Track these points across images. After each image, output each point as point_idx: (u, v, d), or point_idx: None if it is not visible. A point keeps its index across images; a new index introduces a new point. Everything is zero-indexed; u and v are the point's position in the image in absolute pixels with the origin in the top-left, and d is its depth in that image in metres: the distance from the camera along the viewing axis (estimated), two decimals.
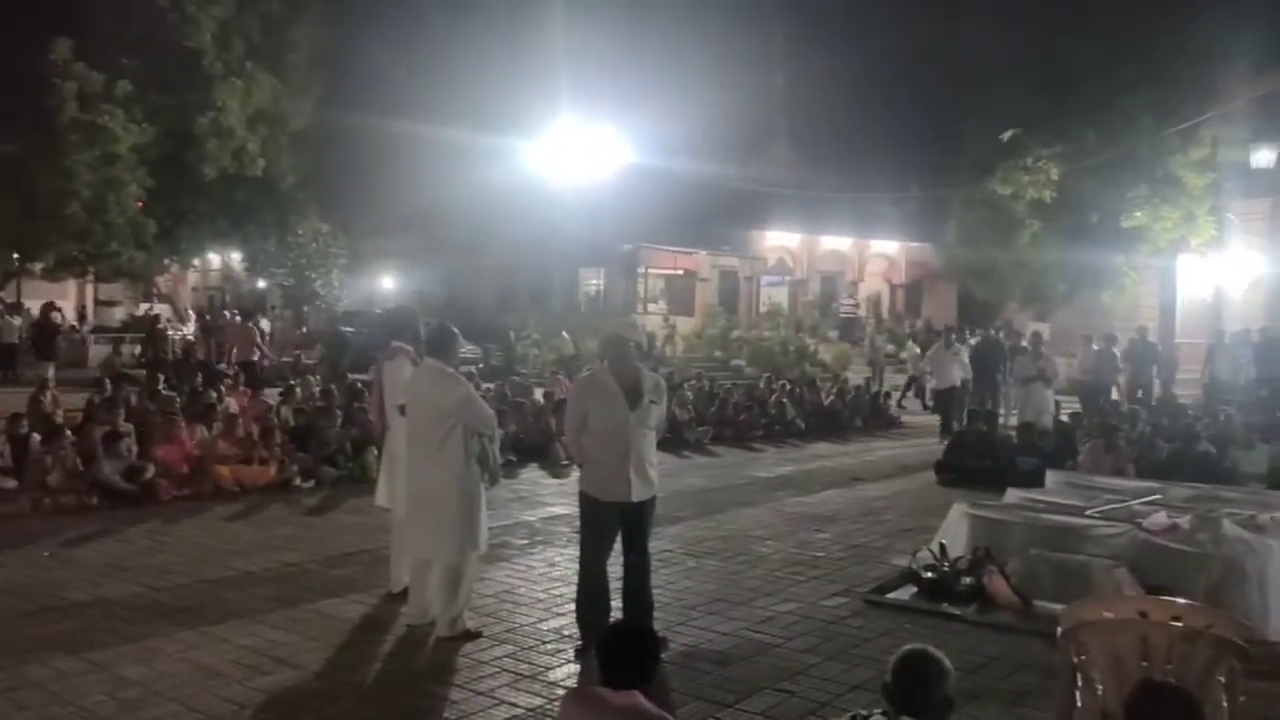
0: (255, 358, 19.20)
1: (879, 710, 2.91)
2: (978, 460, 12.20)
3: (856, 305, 29.58)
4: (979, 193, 22.43)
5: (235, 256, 30.59)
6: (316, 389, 14.01)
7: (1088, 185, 20.95)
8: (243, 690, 4.97)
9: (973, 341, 17.92)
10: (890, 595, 7.02)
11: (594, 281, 30.18)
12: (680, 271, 29.02)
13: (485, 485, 6.01)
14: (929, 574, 7.07)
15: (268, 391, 14.98)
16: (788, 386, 18.13)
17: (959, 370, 16.32)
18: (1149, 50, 19.99)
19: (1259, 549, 6.75)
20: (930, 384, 16.88)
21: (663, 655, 5.52)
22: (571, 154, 22.22)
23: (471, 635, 5.78)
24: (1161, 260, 22.07)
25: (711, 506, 10.20)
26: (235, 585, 6.89)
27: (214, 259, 32.86)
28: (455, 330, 6.10)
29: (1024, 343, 17.84)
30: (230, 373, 16.84)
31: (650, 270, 28.74)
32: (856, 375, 22.05)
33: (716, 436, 15.46)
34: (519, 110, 23.33)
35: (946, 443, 13.56)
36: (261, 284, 31.42)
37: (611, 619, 5.53)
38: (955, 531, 7.66)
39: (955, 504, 7.95)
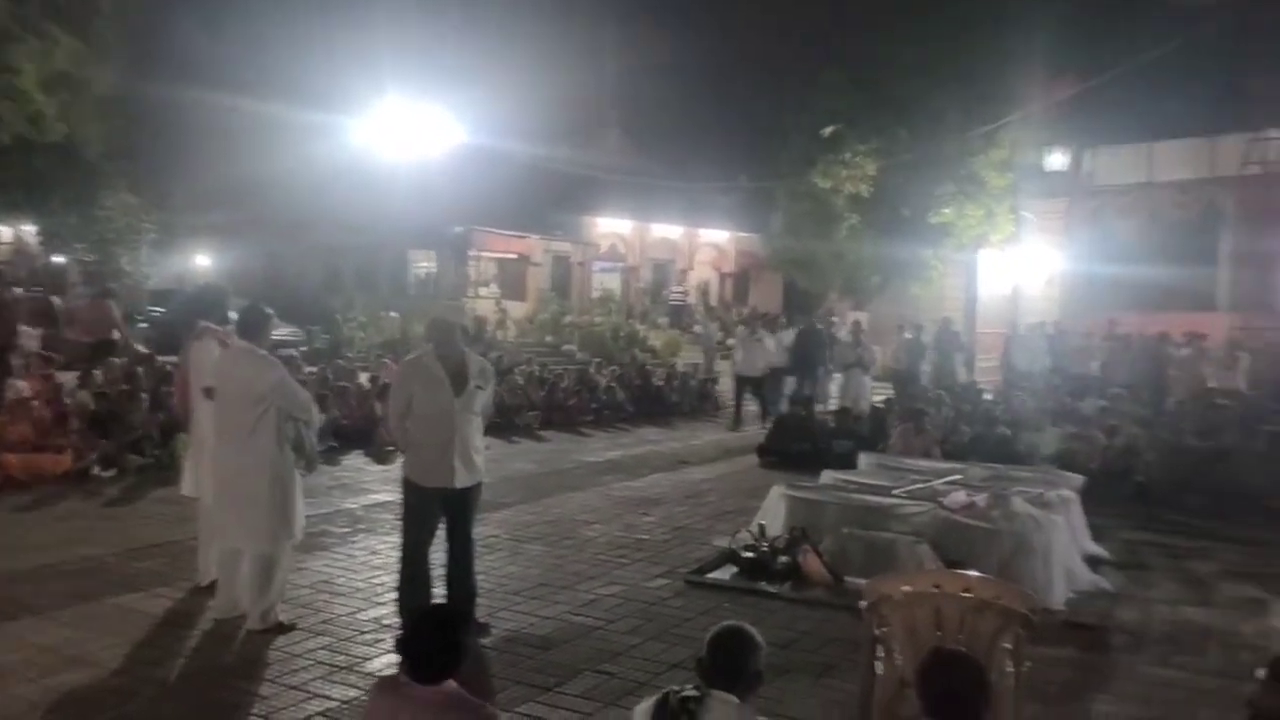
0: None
1: (691, 685, 2.98)
2: (798, 443, 12.67)
3: (686, 293, 30.11)
4: (802, 185, 23.20)
5: (29, 229, 28.22)
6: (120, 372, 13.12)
7: (900, 181, 22.03)
8: (34, 689, 4.65)
9: (792, 330, 18.42)
10: (711, 575, 7.21)
11: (424, 264, 29.52)
12: (513, 255, 28.76)
13: (302, 472, 5.80)
14: (748, 554, 7.30)
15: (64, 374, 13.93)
16: (618, 372, 18.31)
17: (764, 357, 16.46)
18: (955, 54, 21.22)
19: (1045, 524, 7.30)
20: (736, 370, 17.23)
21: (484, 640, 5.51)
22: (401, 133, 21.64)
23: (284, 628, 5.57)
24: (966, 255, 23.48)
25: (539, 491, 10.20)
26: (27, 580, 6.40)
27: (4, 231, 30.20)
28: (268, 311, 5.86)
29: (843, 331, 18.66)
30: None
31: (482, 253, 28.34)
32: (686, 361, 22.50)
33: (546, 421, 15.47)
34: (346, 86, 22.53)
35: (769, 427, 14.01)
36: (59, 259, 29.12)
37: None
38: (774, 512, 7.94)
39: (775, 486, 8.24)
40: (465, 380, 5.51)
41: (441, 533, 5.64)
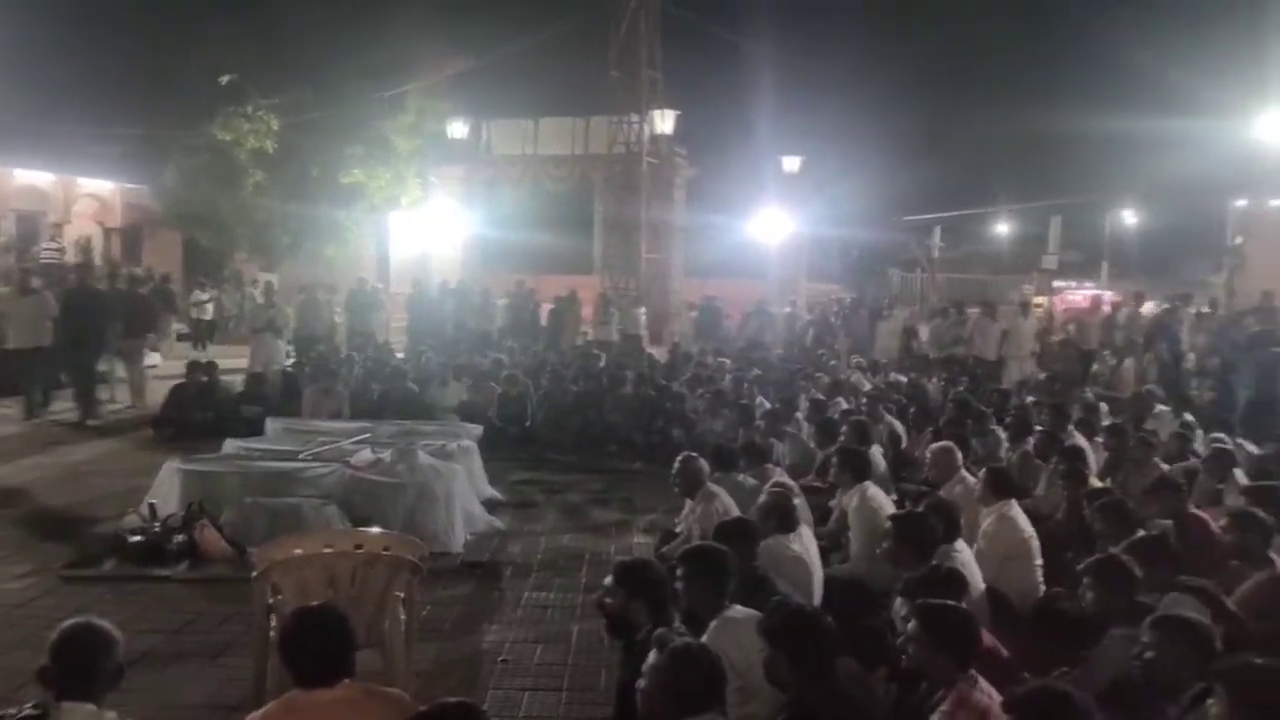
0: None
1: (31, 704, 2.60)
2: (200, 412, 11.82)
3: (62, 250, 26.23)
4: (200, 136, 21.53)
5: None
6: None
7: (308, 140, 21.48)
8: None
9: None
10: (92, 568, 6.48)
11: None
12: None
13: None
14: (136, 538, 6.71)
15: None
16: None
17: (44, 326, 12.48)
18: (357, 20, 21.33)
19: (446, 473, 7.73)
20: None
21: None
22: None
23: None
24: (378, 216, 23.73)
25: None
26: None
27: None
28: None
29: (258, 294, 17.73)
30: None
31: None
32: None
33: None
34: None
35: (165, 396, 12.82)
36: None
37: None
38: (168, 489, 7.38)
39: (168, 461, 7.63)
40: None
41: None
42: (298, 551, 4.18)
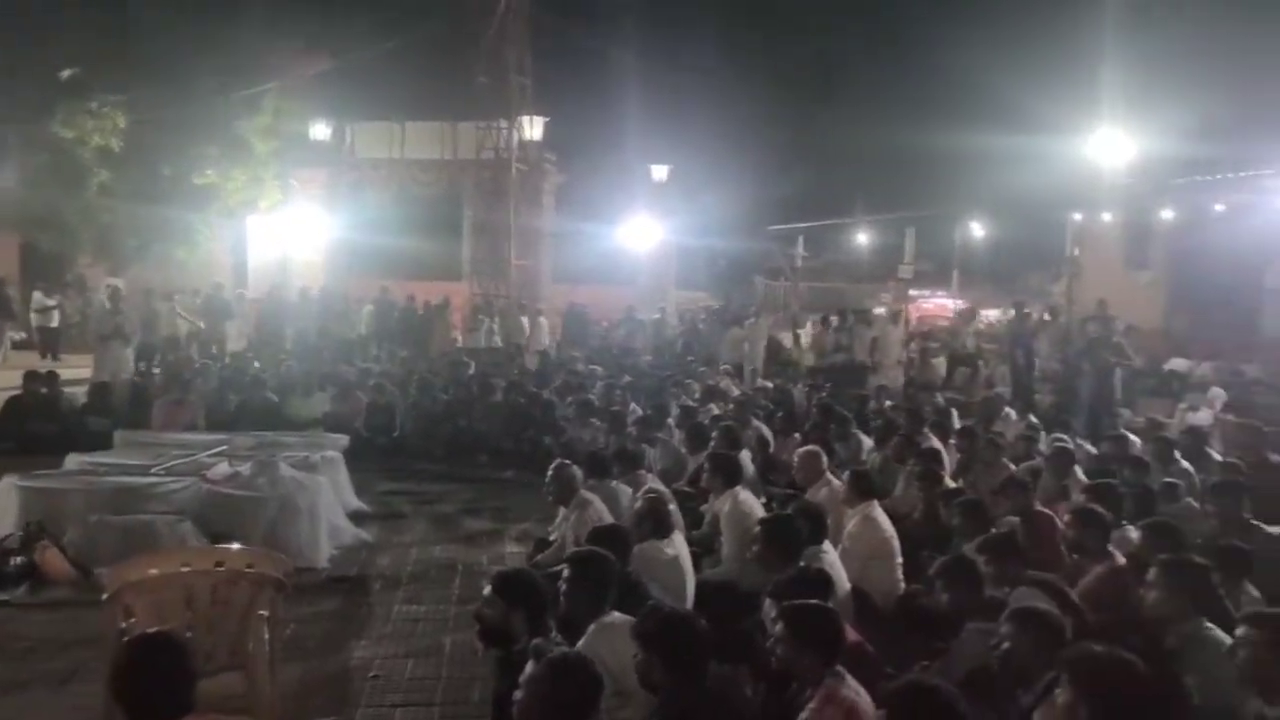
0: None
1: None
2: (41, 425, 11.12)
3: None
4: (41, 133, 20.24)
5: None
6: None
7: (158, 139, 20.47)
8: None
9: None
10: None
11: None
12: None
13: None
14: None
15: None
16: None
17: None
18: (211, 16, 20.48)
19: (310, 485, 7.49)
20: None
21: None
22: None
23: None
24: (234, 220, 22.81)
25: None
26: None
27: None
28: None
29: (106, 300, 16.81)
30: None
31: None
32: None
33: None
34: None
35: (0, 409, 12.01)
36: None
37: None
38: (4, 508, 6.97)
39: (5, 478, 7.16)
40: None
41: None
42: (153, 571, 3.98)
